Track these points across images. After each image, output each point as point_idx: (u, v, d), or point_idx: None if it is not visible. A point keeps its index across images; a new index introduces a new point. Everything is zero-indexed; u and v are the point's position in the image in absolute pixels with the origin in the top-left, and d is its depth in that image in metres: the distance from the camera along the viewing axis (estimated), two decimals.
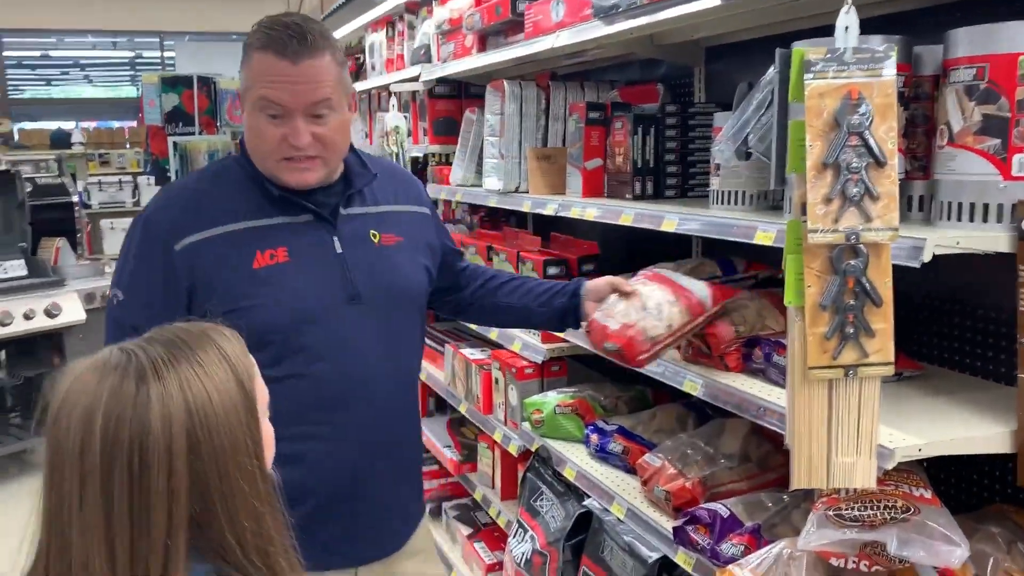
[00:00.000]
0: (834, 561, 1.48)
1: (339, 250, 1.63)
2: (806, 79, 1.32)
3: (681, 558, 1.81)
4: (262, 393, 1.06)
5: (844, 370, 1.37)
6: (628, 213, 2.15)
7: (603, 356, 1.82)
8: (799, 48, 1.35)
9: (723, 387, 1.76)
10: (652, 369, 1.99)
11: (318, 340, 1.57)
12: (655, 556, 1.88)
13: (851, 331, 1.35)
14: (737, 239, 1.74)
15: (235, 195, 1.64)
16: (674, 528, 1.79)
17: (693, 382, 1.85)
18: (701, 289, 1.85)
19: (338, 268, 1.62)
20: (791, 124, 1.35)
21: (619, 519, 2.04)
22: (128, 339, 1.57)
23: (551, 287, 1.94)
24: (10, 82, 12.85)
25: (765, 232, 1.68)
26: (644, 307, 1.77)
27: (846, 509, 1.45)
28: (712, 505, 1.75)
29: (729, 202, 1.97)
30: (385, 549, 1.70)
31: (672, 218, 1.97)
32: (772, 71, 1.68)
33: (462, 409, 3.17)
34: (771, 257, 2.26)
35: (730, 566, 1.55)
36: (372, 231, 1.69)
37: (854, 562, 1.46)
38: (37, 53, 13.28)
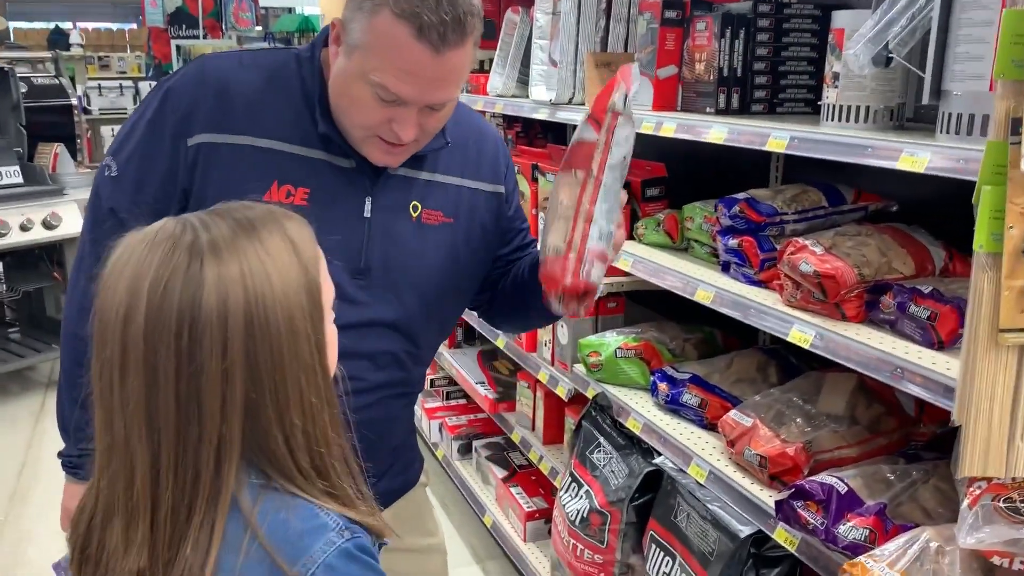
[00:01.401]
0: (996, 559, 1.23)
1: (367, 214, 1.37)
2: None
3: (781, 535, 1.56)
4: (328, 287, 0.97)
5: None
6: (719, 129, 1.83)
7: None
8: None
9: (847, 341, 1.47)
10: (746, 314, 1.72)
11: None
12: (748, 531, 1.63)
13: None
14: (874, 163, 1.44)
15: (281, 106, 1.35)
16: (777, 502, 1.53)
17: (803, 332, 1.57)
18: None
19: (357, 233, 1.36)
20: (1006, 13, 1.03)
21: (699, 483, 1.78)
22: (107, 222, 1.30)
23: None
24: None
25: (912, 156, 1.37)
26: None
27: (1021, 501, 1.19)
28: (826, 478, 1.48)
29: (847, 119, 1.65)
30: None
31: (780, 136, 1.66)
32: None
33: (499, 343, 2.90)
34: (878, 183, 1.96)
35: (861, 558, 1.30)
36: (415, 202, 1.42)
37: (1022, 563, 1.21)
38: None
